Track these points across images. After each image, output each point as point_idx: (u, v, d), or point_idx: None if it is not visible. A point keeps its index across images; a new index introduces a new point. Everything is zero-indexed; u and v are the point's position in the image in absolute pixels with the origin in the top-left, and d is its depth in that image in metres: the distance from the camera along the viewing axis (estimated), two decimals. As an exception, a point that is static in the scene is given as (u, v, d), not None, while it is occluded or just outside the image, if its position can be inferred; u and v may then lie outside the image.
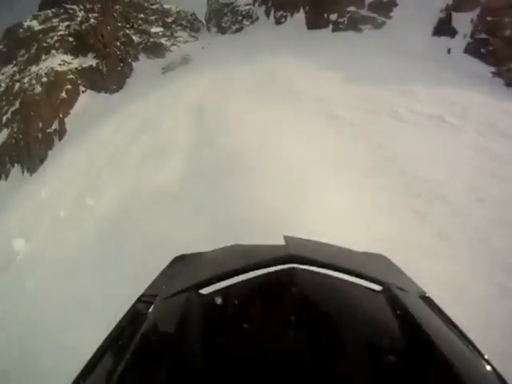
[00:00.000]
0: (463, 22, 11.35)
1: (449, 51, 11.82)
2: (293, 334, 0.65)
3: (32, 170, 15.96)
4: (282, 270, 0.85)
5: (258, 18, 42.38)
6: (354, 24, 19.50)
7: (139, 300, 1.02)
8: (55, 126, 20.69)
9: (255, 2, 44.48)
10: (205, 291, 0.86)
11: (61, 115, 22.98)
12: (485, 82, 8.66)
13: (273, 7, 28.79)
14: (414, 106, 8.05)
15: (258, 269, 0.87)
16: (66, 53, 32.38)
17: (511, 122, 6.88)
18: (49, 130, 20.80)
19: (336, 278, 0.87)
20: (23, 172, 16.05)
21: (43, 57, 31.42)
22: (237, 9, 54.90)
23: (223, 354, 0.62)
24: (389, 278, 0.95)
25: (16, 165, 19.79)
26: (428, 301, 0.97)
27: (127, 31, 45.01)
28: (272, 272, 0.85)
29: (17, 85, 29.71)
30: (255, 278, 0.85)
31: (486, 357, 0.80)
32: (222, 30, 55.95)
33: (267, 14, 33.23)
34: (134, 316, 0.93)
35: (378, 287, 0.88)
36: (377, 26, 18.22)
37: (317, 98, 9.73)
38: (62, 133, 18.86)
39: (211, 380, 0.57)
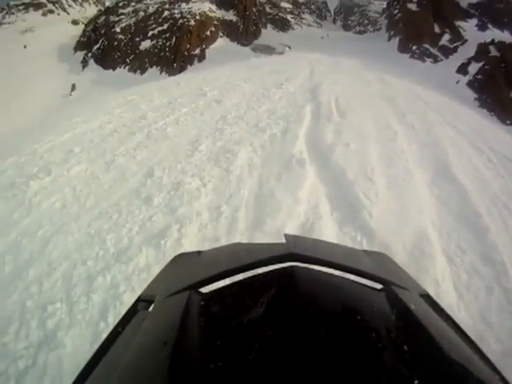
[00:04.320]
0: (473, 67, 21.91)
1: (457, 82, 22.83)
2: (293, 333, 0.62)
3: (171, 74, 20.73)
4: (282, 269, 0.82)
5: (380, 29, 44.10)
6: (423, 56, 31.38)
7: (139, 299, 0.98)
8: (198, 51, 27.69)
9: (382, 15, 48.06)
10: (205, 290, 0.81)
11: (203, 46, 29.96)
12: (468, 101, 13.66)
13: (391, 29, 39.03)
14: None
15: (258, 267, 0.82)
16: (212, 3, 39.63)
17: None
18: (193, 53, 27.46)
19: (336, 276, 0.85)
20: (160, 73, 20.88)
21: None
22: (367, 13, 53.98)
23: (223, 354, 0.59)
24: (389, 276, 0.94)
25: (154, 67, 25.59)
26: (428, 299, 0.95)
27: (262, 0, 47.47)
28: (272, 270, 0.81)
29: (166, 12, 37.52)
30: (255, 276, 0.80)
31: (486, 356, 0.78)
32: (346, 27, 55.55)
33: (387, 29, 41.25)
34: (133, 315, 0.90)
35: (378, 285, 0.86)
36: (435, 61, 30.34)
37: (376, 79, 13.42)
38: (201, 58, 25.21)
39: (211, 379, 0.54)
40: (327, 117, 6.96)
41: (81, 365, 2.60)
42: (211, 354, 0.59)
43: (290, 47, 34.36)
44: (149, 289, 1.07)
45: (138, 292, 3.19)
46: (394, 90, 11.52)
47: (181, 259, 1.24)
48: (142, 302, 0.96)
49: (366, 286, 0.85)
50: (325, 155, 5.36)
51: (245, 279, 0.80)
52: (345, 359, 0.58)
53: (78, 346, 2.90)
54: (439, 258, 3.49)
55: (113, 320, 3.01)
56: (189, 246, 3.65)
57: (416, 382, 0.54)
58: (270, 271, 0.81)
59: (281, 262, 0.82)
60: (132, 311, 0.93)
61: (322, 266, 0.84)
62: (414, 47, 33.95)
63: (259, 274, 0.80)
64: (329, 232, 3.76)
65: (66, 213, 4.50)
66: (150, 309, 0.89)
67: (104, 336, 2.70)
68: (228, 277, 0.83)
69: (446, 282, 3.28)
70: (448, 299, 3.09)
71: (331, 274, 0.84)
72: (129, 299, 3.16)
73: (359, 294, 0.81)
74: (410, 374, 0.56)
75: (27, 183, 5.28)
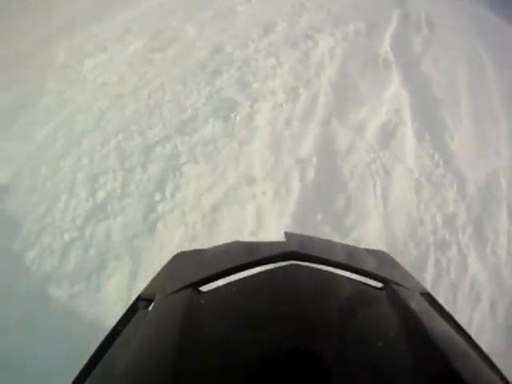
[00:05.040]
0: None
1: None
2: (294, 331, 0.61)
3: None
4: (282, 267, 0.82)
5: None
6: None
7: (139, 298, 0.96)
8: None
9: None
10: (205, 288, 0.81)
11: None
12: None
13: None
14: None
15: (258, 266, 0.84)
16: None
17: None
18: None
19: (337, 274, 0.84)
20: None
21: None
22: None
23: (224, 352, 0.58)
24: (390, 274, 0.93)
25: None
26: (429, 298, 0.93)
27: None
28: (273, 269, 0.81)
29: None
30: (256, 275, 0.80)
31: (487, 354, 0.76)
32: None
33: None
34: (133, 314, 0.88)
35: (378, 284, 0.85)
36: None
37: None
38: None
39: (212, 378, 0.53)
40: (416, 27, 6.30)
41: (130, 235, 2.86)
42: (212, 353, 0.58)
43: None
44: (149, 287, 1.06)
45: (201, 164, 3.51)
46: (488, 22, 10.33)
47: (181, 258, 1.23)
48: (142, 300, 0.94)
49: (366, 284, 0.84)
50: (411, 64, 4.93)
51: (245, 278, 0.79)
52: (345, 357, 0.56)
53: (130, 216, 2.75)
54: (503, 208, 3.39)
55: (170, 191, 2.86)
56: (261, 122, 3.42)
57: (416, 381, 0.53)
58: (271, 270, 0.81)
59: (281, 261, 0.82)
60: (132, 310, 0.92)
61: (323, 264, 0.84)
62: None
63: (260, 273, 0.81)
64: (408, 142, 3.64)
65: (123, 86, 4.20)
66: (150, 307, 0.88)
67: (159, 208, 2.97)
68: (228, 275, 0.82)
69: (502, 236, 3.18)
70: (500, 254, 3.08)
71: (332, 273, 0.84)
72: (190, 171, 2.98)
73: (360, 292, 0.80)
74: (411, 373, 0.55)
75: (82, 62, 5.00)
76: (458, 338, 0.73)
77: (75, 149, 3.40)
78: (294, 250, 0.86)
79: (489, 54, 6.37)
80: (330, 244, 1.25)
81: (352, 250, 1.22)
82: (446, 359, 0.56)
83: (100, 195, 2.89)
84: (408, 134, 3.70)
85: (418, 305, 0.75)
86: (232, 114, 3.37)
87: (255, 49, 4.51)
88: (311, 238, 1.25)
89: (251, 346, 0.59)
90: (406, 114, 3.92)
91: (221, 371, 0.54)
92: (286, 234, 1.04)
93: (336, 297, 0.77)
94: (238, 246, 1.23)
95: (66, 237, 2.69)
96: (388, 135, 3.56)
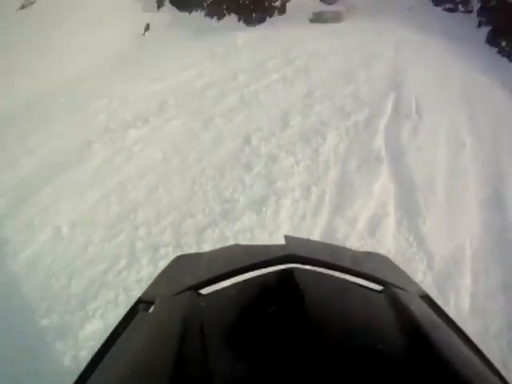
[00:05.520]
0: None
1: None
2: (293, 334, 0.63)
3: (249, 23, 19.64)
4: (282, 270, 0.83)
5: (471, 12, 38.68)
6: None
7: (140, 301, 0.98)
8: (278, 3, 26.60)
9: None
10: (205, 291, 0.84)
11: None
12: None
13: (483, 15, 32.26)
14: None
15: (258, 269, 0.84)
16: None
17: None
18: (273, 4, 26.76)
19: (336, 277, 0.85)
20: (238, 21, 19.47)
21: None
22: (457, -9, 49.06)
23: (224, 355, 0.61)
24: (389, 277, 0.94)
25: (232, 14, 24.13)
26: (428, 300, 0.94)
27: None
28: (272, 272, 0.84)
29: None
30: (255, 278, 0.83)
31: (486, 356, 0.79)
32: (436, 0, 50.41)
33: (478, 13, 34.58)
34: (134, 317, 0.90)
35: (378, 287, 0.86)
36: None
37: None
38: (281, 11, 23.91)
39: (212, 380, 0.55)
40: (406, 114, 6.76)
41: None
42: (212, 355, 0.59)
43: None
44: (149, 290, 1.05)
45: (245, 248, 3.65)
46: (476, 89, 10.22)
47: (181, 261, 1.23)
48: (143, 303, 0.96)
49: (366, 287, 0.86)
50: (398, 156, 5.49)
51: (245, 281, 0.82)
52: (345, 360, 0.58)
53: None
54: (467, 273, 3.86)
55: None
56: (284, 216, 4.12)
57: (416, 381, 0.55)
58: (270, 273, 0.83)
59: (280, 264, 0.83)
60: (132, 313, 0.92)
61: (322, 267, 0.85)
62: (504, 43, 28.15)
63: (259, 276, 0.83)
64: (389, 229, 4.22)
65: (168, 165, 4.77)
66: (151, 310, 0.90)
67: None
68: (228, 278, 0.84)
69: (464, 293, 3.63)
70: (462, 308, 3.51)
71: (331, 276, 0.85)
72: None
73: (359, 295, 0.82)
74: (410, 375, 0.57)
75: (125, 130, 5.47)
76: (457, 340, 0.74)
77: (131, 217, 3.86)
78: (294, 253, 0.85)
79: (470, 135, 6.57)
80: (329, 247, 1.23)
81: (351, 253, 1.22)
82: (446, 360, 0.59)
83: (162, 264, 3.18)
84: (390, 223, 4.24)
85: (417, 307, 0.75)
86: (263, 208, 4.10)
87: (277, 144, 5.23)
88: (310, 241, 1.28)
89: (251, 348, 0.62)
90: (391, 206, 4.45)
91: (220, 373, 0.56)
92: (285, 237, 1.02)
93: (336, 299, 0.79)
94: (237, 249, 1.22)
95: (133, 295, 2.91)
96: (374, 226, 4.13)
